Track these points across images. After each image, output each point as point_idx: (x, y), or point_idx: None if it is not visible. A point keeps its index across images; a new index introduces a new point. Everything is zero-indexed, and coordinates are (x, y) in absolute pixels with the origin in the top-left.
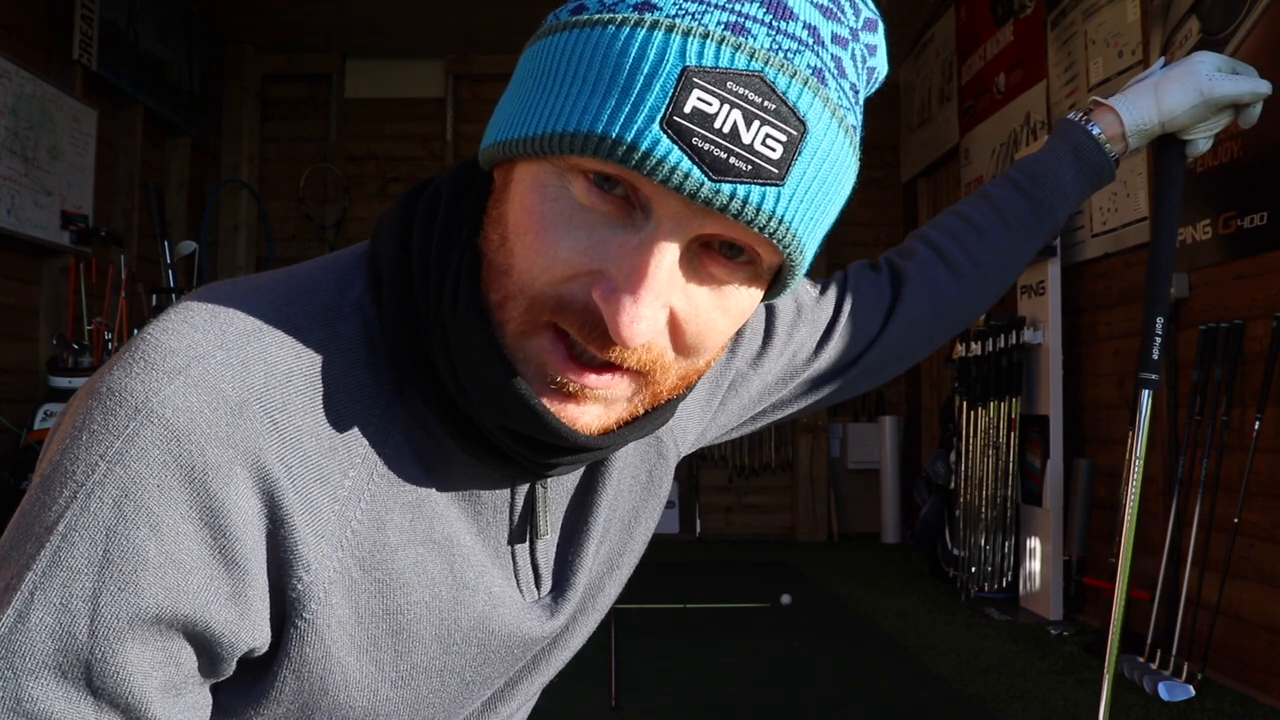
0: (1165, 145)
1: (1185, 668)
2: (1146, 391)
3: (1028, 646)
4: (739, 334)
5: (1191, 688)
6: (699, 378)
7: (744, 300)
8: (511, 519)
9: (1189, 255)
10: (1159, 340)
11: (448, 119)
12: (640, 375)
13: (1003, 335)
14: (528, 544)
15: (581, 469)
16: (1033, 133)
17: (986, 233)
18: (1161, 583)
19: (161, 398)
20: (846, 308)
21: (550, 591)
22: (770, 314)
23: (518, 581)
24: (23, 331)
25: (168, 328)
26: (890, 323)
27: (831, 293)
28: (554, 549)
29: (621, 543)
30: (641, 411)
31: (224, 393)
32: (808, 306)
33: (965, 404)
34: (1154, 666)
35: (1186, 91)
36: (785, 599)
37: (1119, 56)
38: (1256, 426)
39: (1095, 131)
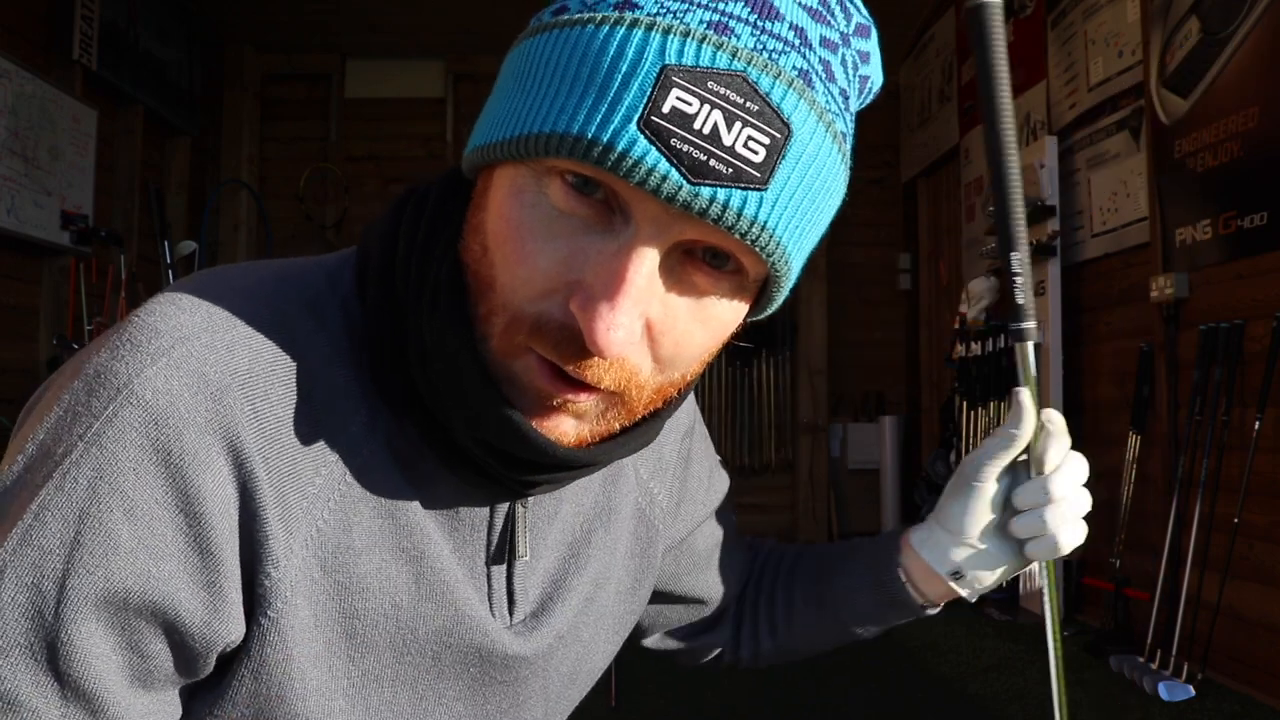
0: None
1: (1185, 668)
2: (1020, 344)
3: (1028, 646)
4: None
5: (1191, 688)
6: (677, 392)
7: (725, 313)
8: (489, 538)
9: (1189, 255)
10: (1019, 281)
11: (448, 119)
12: (614, 394)
13: (1003, 335)
14: (505, 566)
15: (584, 492)
16: (1032, 133)
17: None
18: (1161, 583)
19: (143, 379)
20: (708, 486)
21: (527, 617)
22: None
23: (490, 604)
24: (23, 331)
25: (155, 310)
26: (706, 525)
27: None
28: (535, 574)
29: (605, 580)
30: (617, 428)
31: (206, 376)
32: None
33: (965, 404)
34: (1154, 666)
35: (957, 492)
36: None
37: (1119, 56)
38: (1256, 426)
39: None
